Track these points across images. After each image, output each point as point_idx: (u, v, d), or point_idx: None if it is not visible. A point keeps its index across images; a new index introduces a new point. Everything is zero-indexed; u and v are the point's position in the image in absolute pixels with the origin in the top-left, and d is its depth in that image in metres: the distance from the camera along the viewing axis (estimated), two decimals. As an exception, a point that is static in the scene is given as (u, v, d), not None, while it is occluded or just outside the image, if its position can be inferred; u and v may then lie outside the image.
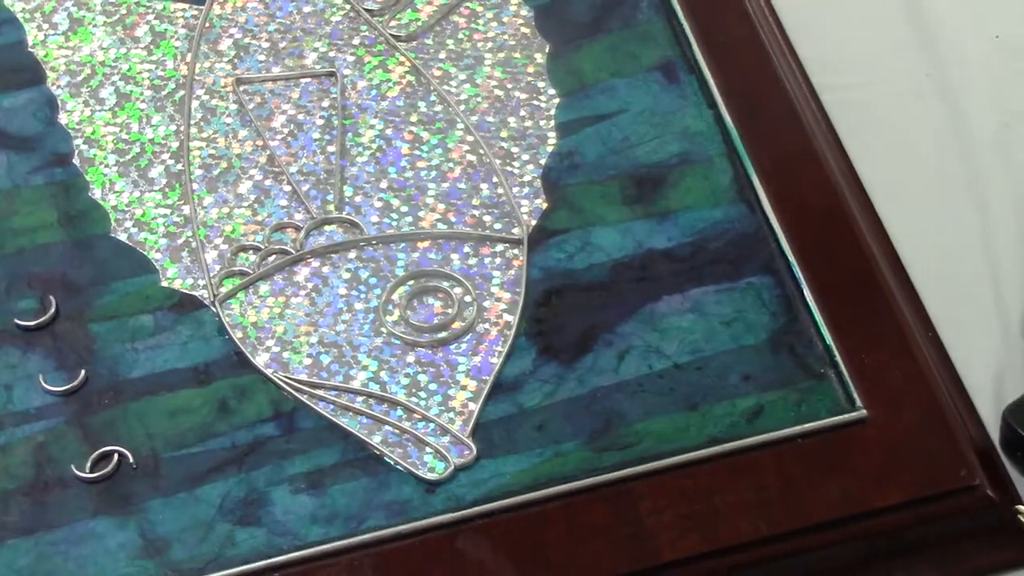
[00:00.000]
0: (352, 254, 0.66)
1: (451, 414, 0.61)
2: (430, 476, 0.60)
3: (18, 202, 0.67)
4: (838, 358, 0.62)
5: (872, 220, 0.67)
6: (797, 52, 0.72)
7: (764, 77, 0.70)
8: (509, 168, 0.68)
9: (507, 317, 0.64)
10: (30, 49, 0.72)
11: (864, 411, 0.61)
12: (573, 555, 0.58)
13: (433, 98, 0.70)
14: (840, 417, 0.61)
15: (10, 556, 0.58)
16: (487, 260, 0.65)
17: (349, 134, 0.69)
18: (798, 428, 0.60)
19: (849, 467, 0.60)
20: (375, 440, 0.61)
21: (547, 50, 0.71)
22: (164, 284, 0.65)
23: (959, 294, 0.66)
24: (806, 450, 0.60)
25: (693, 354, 0.63)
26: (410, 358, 0.63)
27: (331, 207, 0.67)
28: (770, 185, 0.67)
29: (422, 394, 0.62)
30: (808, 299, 0.64)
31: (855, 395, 0.61)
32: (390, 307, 0.64)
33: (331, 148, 0.68)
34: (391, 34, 0.72)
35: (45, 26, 0.73)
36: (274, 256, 0.65)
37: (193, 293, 0.65)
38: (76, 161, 0.68)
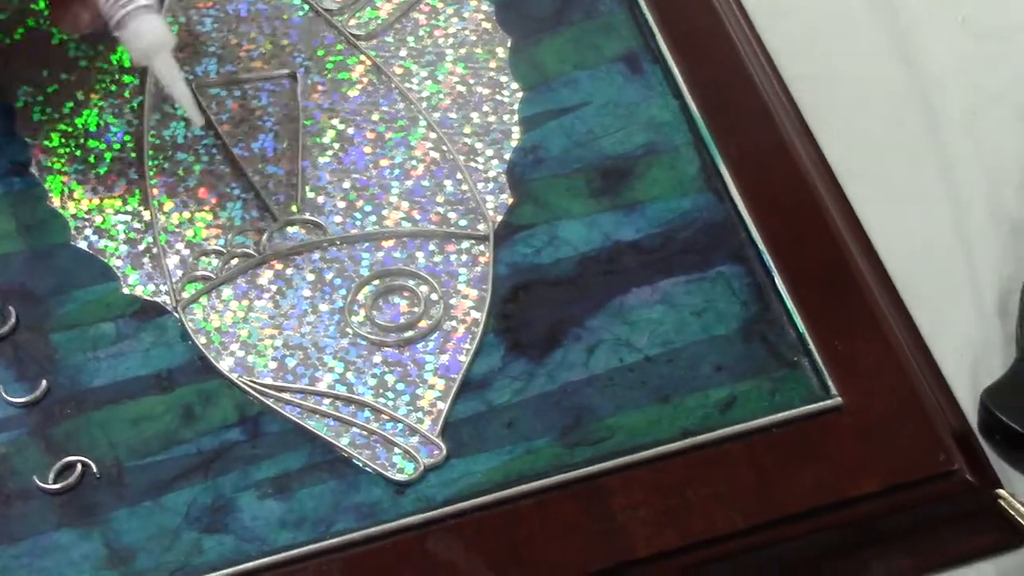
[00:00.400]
0: (316, 255, 0.65)
1: (420, 414, 0.60)
2: (399, 477, 0.59)
3: (-24, 212, 0.66)
4: (811, 346, 0.61)
5: (843, 207, 0.66)
6: (763, 41, 0.71)
7: (730, 66, 0.69)
8: (473, 164, 0.67)
9: (474, 314, 0.63)
10: (-14, 59, 0.71)
11: (839, 398, 0.60)
12: (546, 552, 0.57)
13: (395, 96, 0.69)
14: (814, 405, 0.60)
15: (-27, 571, 0.57)
16: (453, 257, 0.64)
17: (310, 135, 0.68)
18: (772, 418, 0.60)
19: (824, 455, 0.59)
20: (343, 442, 0.60)
21: (509, 44, 0.71)
22: (126, 291, 0.64)
23: (933, 279, 0.65)
24: (780, 440, 0.59)
25: (664, 346, 0.62)
26: (377, 358, 0.62)
27: (294, 208, 0.66)
28: (738, 174, 0.66)
29: (390, 394, 0.61)
30: (779, 287, 0.63)
31: (829, 383, 0.60)
32: (355, 307, 0.63)
33: (291, 149, 0.67)
34: (351, 33, 0.71)
35: (0, 35, 0.72)
36: (236, 259, 0.64)
37: (155, 299, 0.64)
38: (34, 170, 0.67)
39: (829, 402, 0.60)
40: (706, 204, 0.65)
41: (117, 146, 0.68)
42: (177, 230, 0.65)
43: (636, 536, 0.57)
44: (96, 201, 0.66)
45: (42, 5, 0.70)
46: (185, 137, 0.68)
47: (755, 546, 0.57)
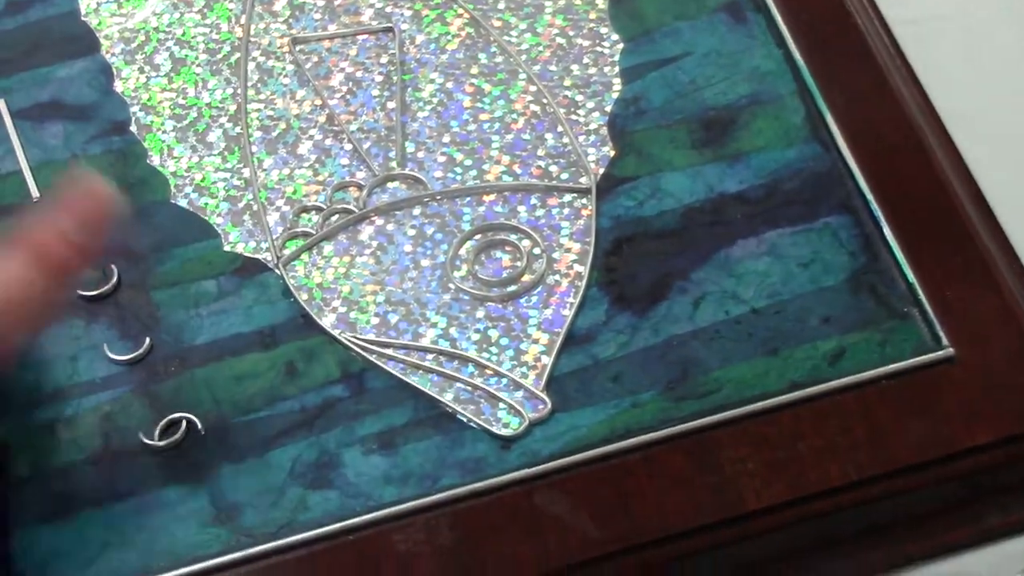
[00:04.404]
0: (417, 210, 0.64)
1: (524, 368, 0.60)
2: (504, 432, 0.58)
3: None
4: (921, 296, 0.60)
5: (951, 153, 0.64)
6: (866, -14, 0.70)
7: (833, 12, 0.68)
8: (574, 117, 0.66)
9: (577, 268, 0.62)
10: (83, 18, 0.71)
11: (951, 349, 0.59)
12: (654, 507, 0.56)
13: (494, 49, 0.68)
14: (926, 356, 0.59)
15: (80, 527, 0.57)
16: (555, 211, 0.64)
17: (409, 89, 0.67)
18: (882, 369, 0.58)
19: (937, 407, 0.58)
20: (447, 398, 0.59)
21: (608, -5, 0.70)
22: (226, 248, 0.64)
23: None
24: (892, 391, 0.58)
25: (771, 298, 0.61)
26: (480, 313, 0.61)
27: (393, 164, 0.65)
28: (844, 122, 0.65)
29: (493, 349, 0.60)
30: (888, 237, 0.61)
31: (940, 333, 0.59)
32: (457, 262, 0.63)
33: (391, 104, 0.67)
34: (448, -14, 0.70)
35: (97, -6, 0.72)
36: (337, 216, 0.64)
37: (256, 256, 0.63)
38: (133, 128, 0.67)
39: (941, 353, 0.59)
40: (812, 154, 0.64)
41: (216, 104, 0.68)
42: (277, 187, 0.65)
43: (746, 489, 0.56)
44: (196, 159, 0.66)
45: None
46: (284, 94, 0.68)
47: (869, 498, 0.56)
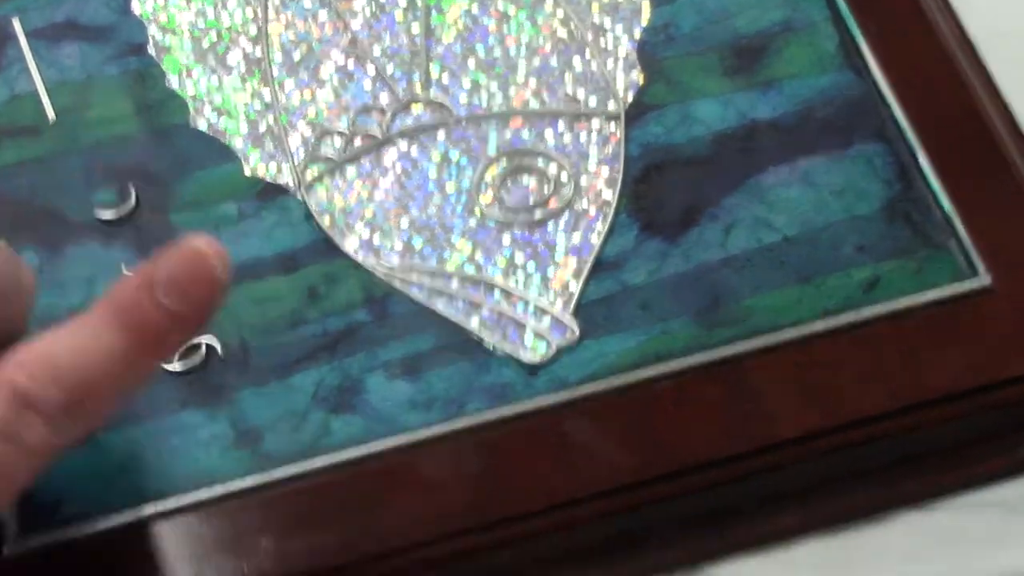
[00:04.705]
0: (441, 135, 0.63)
1: (551, 294, 0.59)
2: (531, 358, 0.57)
3: (93, 93, 0.64)
4: (957, 225, 0.59)
5: (986, 82, 0.63)
6: (900, -87, 0.68)
7: (867, -62, 0.67)
8: (602, 42, 0.65)
9: (606, 194, 0.61)
10: (100, -61, 0.70)
11: (987, 278, 0.58)
12: (685, 435, 0.55)
13: (520, -27, 0.67)
14: (962, 285, 0.58)
15: (100, 451, 0.56)
16: (583, 137, 0.62)
17: (433, 13, 0.66)
18: (918, 298, 0.57)
19: (974, 336, 0.57)
20: (472, 324, 0.58)
21: (638, -80, 0.68)
22: (247, 172, 0.62)
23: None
24: (927, 320, 0.57)
25: (803, 226, 0.60)
26: (506, 239, 0.60)
27: (418, 88, 0.64)
28: (878, 50, 0.63)
29: (520, 275, 0.59)
30: (923, 165, 0.60)
31: (977, 262, 0.58)
32: (483, 187, 0.61)
33: (415, 28, 0.66)
34: (473, -90, 0.69)
35: (115, -85, 0.70)
36: (360, 140, 0.63)
37: (277, 180, 0.62)
38: (151, 50, 0.66)
39: (977, 281, 0.58)
40: (846, 82, 0.63)
41: (236, 26, 0.66)
42: (298, 110, 0.64)
43: (779, 417, 0.55)
44: (215, 81, 0.65)
45: None
46: (305, 16, 0.66)
47: (905, 428, 0.55)
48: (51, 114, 0.64)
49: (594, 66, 0.64)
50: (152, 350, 0.49)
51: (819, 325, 0.57)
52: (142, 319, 0.48)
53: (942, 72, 0.63)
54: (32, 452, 0.46)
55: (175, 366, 0.58)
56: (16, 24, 0.66)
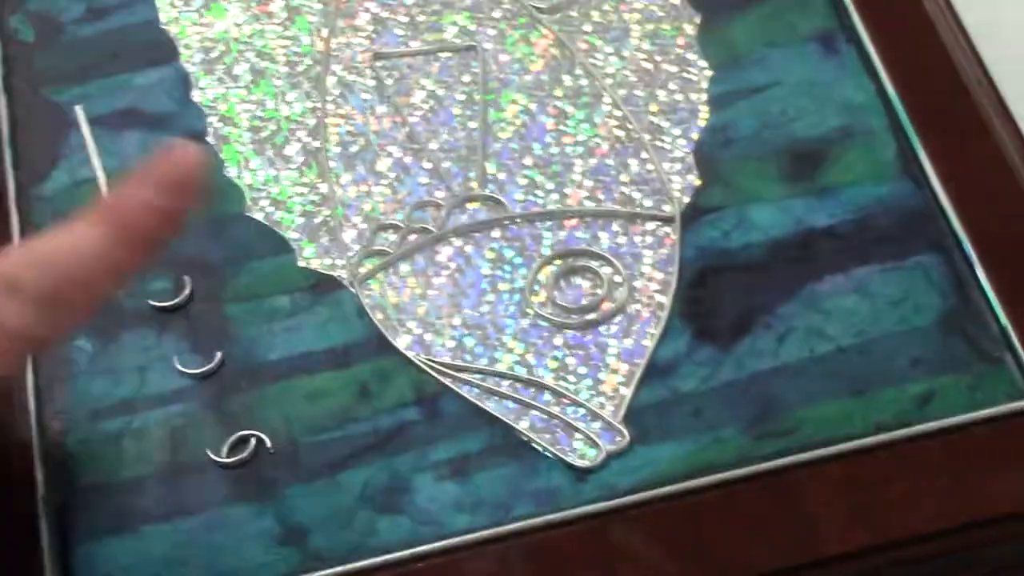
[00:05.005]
0: (496, 233, 0.63)
1: (602, 398, 0.58)
2: (580, 463, 0.57)
3: (152, 181, 0.65)
4: (1015, 340, 0.58)
5: (1048, 195, 0.63)
6: (962, 21, 0.68)
7: (928, 46, 0.66)
8: (659, 143, 0.65)
9: (659, 298, 0.61)
10: (163, 26, 0.70)
11: (1045, 397, 0.57)
12: (732, 546, 0.55)
13: (578, 72, 0.67)
14: (1019, 403, 0.57)
15: (145, 543, 0.56)
16: (637, 239, 0.62)
17: (491, 109, 0.66)
18: (973, 415, 0.57)
19: (1028, 457, 0.56)
20: (522, 425, 0.58)
21: (697, 21, 0.68)
22: (301, 264, 0.63)
23: None
24: (982, 439, 0.57)
25: (858, 336, 0.59)
26: (558, 340, 0.60)
27: (473, 184, 0.64)
28: (937, 159, 0.63)
29: (571, 378, 0.59)
30: (981, 278, 0.60)
31: (1033, 379, 0.58)
32: (536, 287, 0.61)
33: (472, 124, 0.66)
34: (534, 6, 0.69)
35: (178, 3, 0.71)
36: (415, 235, 0.63)
37: (331, 274, 0.62)
38: (210, 139, 0.66)
39: (1033, 400, 0.57)
40: (903, 191, 0.63)
41: (295, 117, 0.67)
42: (354, 203, 0.64)
43: (827, 533, 0.55)
44: (273, 172, 0.65)
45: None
46: (363, 110, 0.66)
47: (954, 548, 0.55)
48: (110, 200, 0.64)
49: (650, 167, 0.64)
50: (136, 247, 0.50)
51: (871, 439, 0.57)
52: (126, 215, 0.49)
53: (1001, 183, 0.62)
54: (12, 335, 0.47)
55: (224, 459, 0.58)
56: (79, 112, 0.67)
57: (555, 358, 0.60)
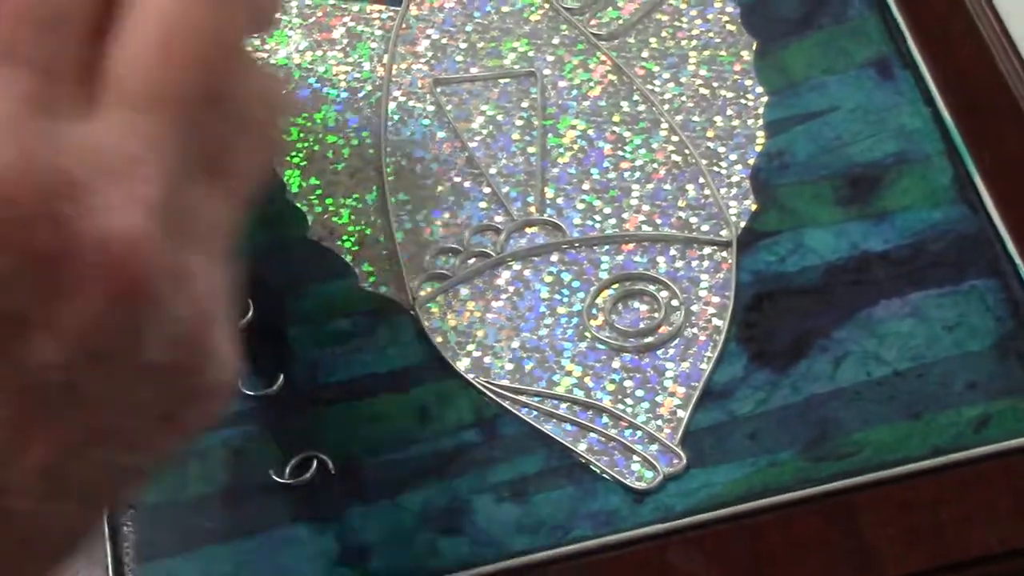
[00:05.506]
0: (554, 257, 0.64)
1: (659, 421, 0.59)
2: (638, 485, 0.58)
3: (214, 205, 0.66)
4: (1071, 365, 0.59)
5: (1105, 222, 0.63)
6: (1017, 46, 0.68)
7: (984, 71, 0.67)
8: (716, 169, 0.65)
9: (716, 322, 0.61)
10: (226, 53, 0.71)
11: (1101, 422, 0.57)
12: (789, 569, 0.55)
13: (636, 97, 0.68)
14: (1075, 428, 0.57)
15: (207, 562, 0.57)
16: (694, 263, 0.63)
17: (550, 135, 0.67)
18: (1029, 439, 0.57)
19: (1086, 481, 0.56)
20: (580, 448, 0.59)
21: (754, 47, 0.69)
22: (362, 288, 0.63)
23: None
24: (1038, 462, 0.57)
25: (914, 360, 0.60)
26: (616, 363, 0.61)
27: (532, 209, 0.65)
28: (993, 184, 0.63)
29: (628, 401, 0.60)
30: (1036, 303, 0.60)
31: (1090, 405, 0.58)
32: (594, 311, 0.62)
33: (531, 149, 0.67)
34: (592, 33, 0.70)
35: (241, 29, 0.72)
36: (474, 259, 0.63)
37: (391, 297, 0.63)
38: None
39: (1090, 425, 0.57)
40: (959, 216, 0.63)
41: (355, 142, 0.68)
42: (414, 228, 0.65)
43: (885, 555, 0.55)
44: (333, 196, 0.66)
45: None
46: (424, 135, 0.67)
47: (1014, 571, 0.55)
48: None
49: (707, 192, 0.65)
50: None
51: (927, 462, 0.57)
52: None
53: (1058, 208, 0.63)
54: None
55: (287, 479, 0.58)
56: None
57: (613, 381, 0.60)
